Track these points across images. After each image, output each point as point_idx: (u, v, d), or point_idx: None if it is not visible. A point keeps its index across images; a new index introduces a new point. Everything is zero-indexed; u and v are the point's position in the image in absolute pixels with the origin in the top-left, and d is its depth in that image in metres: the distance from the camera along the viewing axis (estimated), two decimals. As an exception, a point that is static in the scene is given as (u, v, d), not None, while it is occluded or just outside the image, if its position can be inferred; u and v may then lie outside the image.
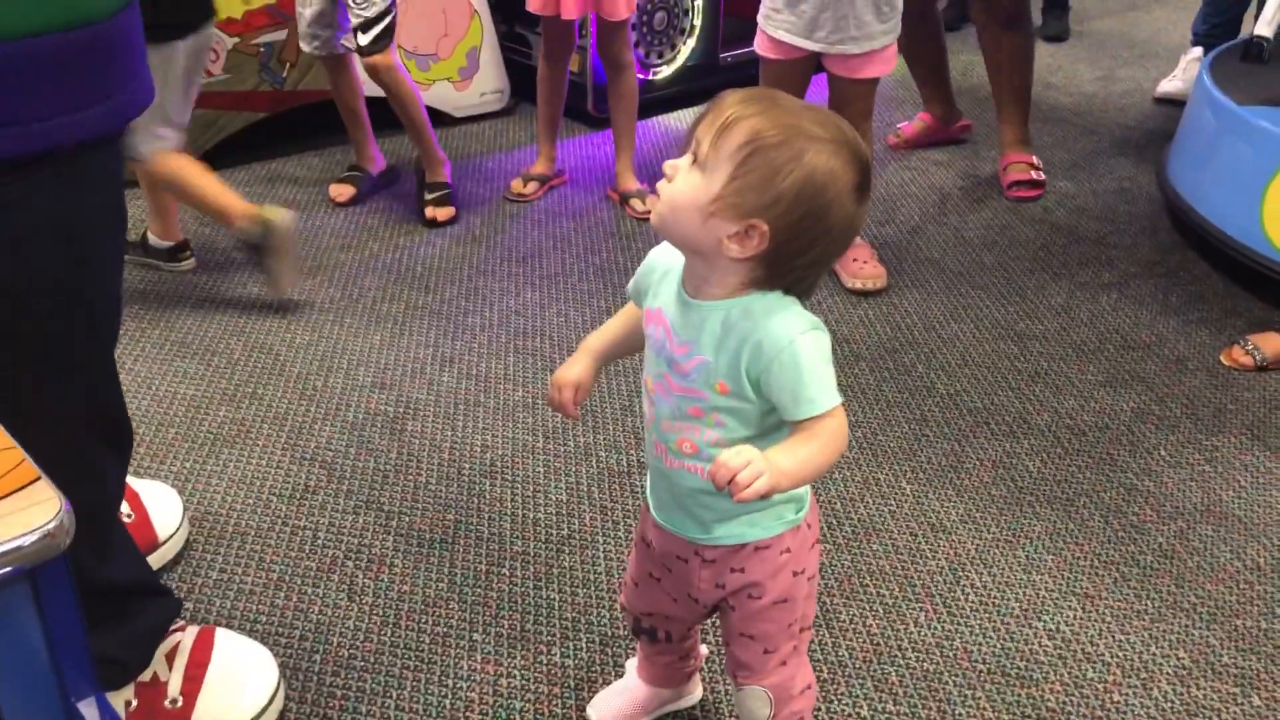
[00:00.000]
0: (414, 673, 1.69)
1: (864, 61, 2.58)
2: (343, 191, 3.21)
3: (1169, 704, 1.67)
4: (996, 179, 3.44)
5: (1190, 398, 2.41)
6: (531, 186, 3.29)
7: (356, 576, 1.88)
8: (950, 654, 1.75)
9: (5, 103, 1.07)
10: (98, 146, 1.20)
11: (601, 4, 2.97)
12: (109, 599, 1.48)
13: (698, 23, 3.78)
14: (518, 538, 1.97)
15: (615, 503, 2.05)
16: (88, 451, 1.39)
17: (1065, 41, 4.70)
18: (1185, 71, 4.04)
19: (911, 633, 1.78)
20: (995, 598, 1.86)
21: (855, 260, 2.81)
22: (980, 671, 1.72)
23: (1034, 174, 3.37)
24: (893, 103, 3.90)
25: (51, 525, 0.81)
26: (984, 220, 3.21)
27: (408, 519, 2.01)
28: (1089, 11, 5.05)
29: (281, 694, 1.62)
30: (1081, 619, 1.82)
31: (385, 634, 1.76)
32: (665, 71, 3.80)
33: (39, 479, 0.85)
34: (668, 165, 1.17)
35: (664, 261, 1.27)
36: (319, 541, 1.95)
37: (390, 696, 1.65)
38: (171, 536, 1.89)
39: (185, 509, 1.95)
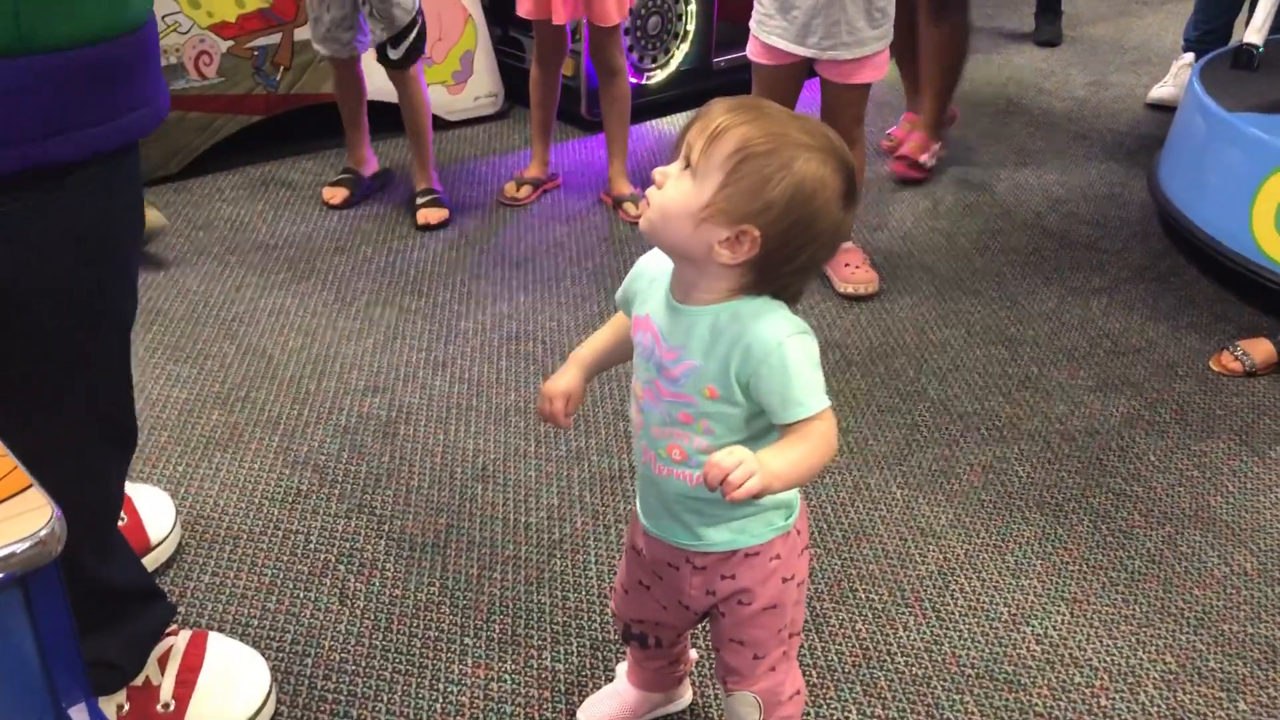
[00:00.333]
0: (405, 677, 1.70)
1: (856, 67, 2.59)
2: (336, 194, 3.21)
3: (1155, 708, 1.68)
4: (988, 184, 3.45)
5: (1180, 403, 2.43)
6: (525, 190, 3.29)
7: (348, 580, 1.88)
8: (939, 658, 1.76)
9: (62, 110, 1.11)
10: (129, 150, 1.24)
11: (592, 9, 2.98)
12: (107, 602, 1.48)
13: (691, 28, 3.79)
14: (509, 542, 1.97)
15: (607, 507, 2.06)
16: (93, 452, 1.40)
17: (1058, 47, 4.71)
18: (1177, 77, 4.05)
19: (900, 637, 1.79)
20: (984, 602, 1.87)
21: (847, 265, 2.82)
22: (968, 676, 1.73)
23: (924, 156, 3.40)
24: (886, 107, 3.91)
25: (43, 532, 0.81)
26: (976, 225, 3.22)
27: (399, 523, 2.02)
28: (1082, 17, 5.07)
29: (273, 698, 1.63)
30: (1069, 624, 1.83)
31: (376, 638, 1.77)
32: (659, 76, 3.81)
33: (31, 486, 0.85)
34: (657, 172, 1.18)
35: (651, 269, 1.28)
36: (311, 545, 1.96)
37: (381, 701, 1.66)
38: (164, 540, 1.89)
39: (177, 513, 1.95)
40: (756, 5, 2.62)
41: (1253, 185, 2.75)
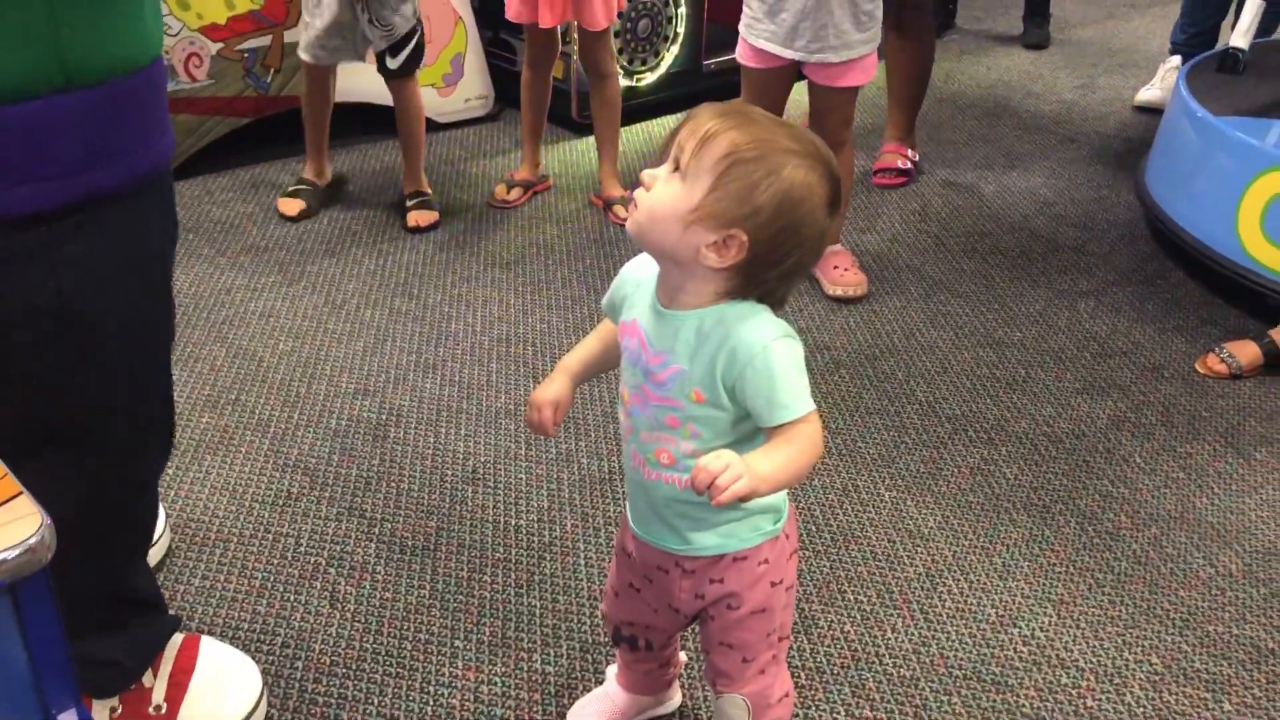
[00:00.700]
0: (395, 680, 1.71)
1: (843, 70, 2.60)
2: (293, 205, 3.14)
3: (1141, 709, 1.69)
4: (976, 186, 3.47)
5: (1166, 405, 2.44)
6: (515, 192, 3.30)
7: (338, 584, 1.89)
8: (927, 660, 1.77)
9: (104, 140, 1.17)
10: (165, 172, 1.30)
11: (581, 13, 2.98)
12: (129, 606, 1.53)
13: (681, 30, 3.80)
14: (499, 544, 1.98)
15: (596, 509, 2.06)
16: (144, 463, 1.46)
17: (1046, 49, 4.73)
18: (1164, 80, 4.07)
19: (889, 639, 1.80)
20: (971, 604, 1.88)
21: (836, 268, 2.83)
22: (956, 677, 1.74)
23: (900, 162, 3.46)
24: (875, 107, 3.92)
25: (33, 540, 0.82)
26: (964, 227, 3.23)
27: (389, 526, 2.02)
28: (1070, 20, 5.09)
29: (264, 702, 1.63)
30: (1056, 625, 1.84)
31: (367, 641, 1.77)
32: (649, 78, 3.82)
33: (20, 494, 0.86)
34: (646, 174, 1.19)
35: (637, 275, 1.29)
36: (301, 549, 1.96)
37: (371, 704, 1.66)
38: (154, 544, 1.89)
39: (168, 515, 1.96)
40: (745, 8, 2.63)
41: (1238, 189, 2.76)
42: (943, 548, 2.01)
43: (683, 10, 3.76)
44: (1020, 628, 1.84)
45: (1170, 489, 2.18)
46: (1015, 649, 1.79)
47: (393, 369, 2.48)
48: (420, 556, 1.95)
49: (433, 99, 3.70)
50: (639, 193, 1.19)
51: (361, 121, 3.47)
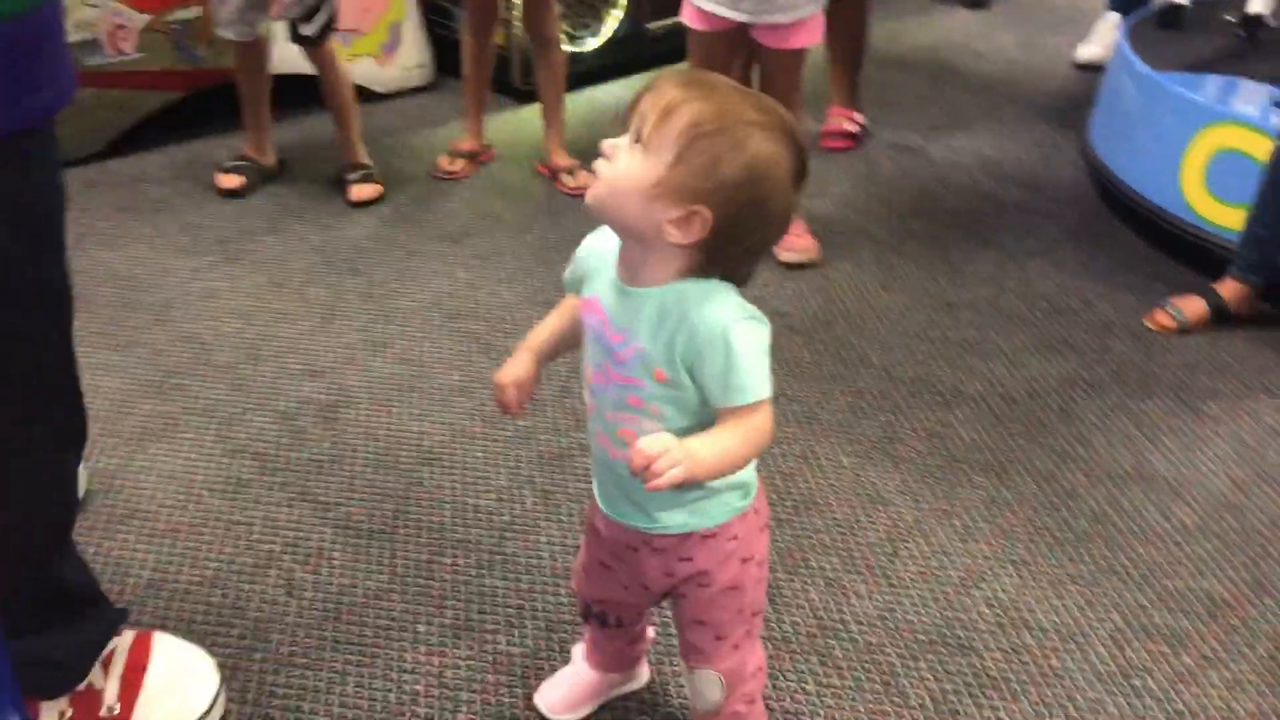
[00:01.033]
0: (357, 668, 1.67)
1: (791, 32, 2.57)
2: (231, 179, 3.05)
3: (1105, 666, 1.71)
4: (923, 148, 3.47)
5: (1117, 362, 2.46)
6: (459, 163, 3.24)
7: (294, 571, 1.85)
8: (892, 625, 1.77)
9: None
10: (43, 127, 1.22)
11: (525, -22, 2.92)
12: (62, 602, 1.47)
13: (623, -6, 3.75)
14: (459, 525, 1.95)
15: (557, 486, 2.04)
16: (49, 444, 1.38)
17: (987, 9, 4.74)
18: (1102, 37, 4.09)
19: (854, 605, 1.80)
20: (934, 567, 1.89)
21: (788, 234, 2.81)
22: (922, 642, 1.74)
23: (847, 125, 3.45)
24: (816, 70, 3.89)
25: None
26: (913, 189, 3.23)
27: (345, 510, 1.98)
28: (1009, -23, 5.09)
29: (223, 698, 1.59)
30: (1019, 586, 1.85)
31: (326, 629, 1.74)
32: (593, 43, 3.76)
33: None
34: (606, 145, 1.15)
35: (598, 249, 1.26)
36: (254, 536, 1.91)
37: (334, 693, 1.63)
38: None
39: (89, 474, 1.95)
40: (690, -29, 2.59)
41: (1181, 144, 2.78)
42: (904, 512, 2.01)
43: (624, -26, 3.70)
44: (983, 589, 1.84)
45: (1125, 446, 2.20)
46: (979, 611, 1.80)
47: (341, 348, 2.43)
48: (378, 540, 1.91)
49: (370, 69, 3.61)
50: (599, 163, 1.15)
51: (302, 93, 3.38)
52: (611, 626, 1.50)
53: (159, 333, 2.46)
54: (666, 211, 1.11)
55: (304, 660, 1.68)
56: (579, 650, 1.63)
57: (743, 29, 2.60)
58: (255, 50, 2.97)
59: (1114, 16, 4.02)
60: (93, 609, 1.53)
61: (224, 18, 2.87)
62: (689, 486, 1.14)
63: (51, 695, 1.49)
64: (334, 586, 1.82)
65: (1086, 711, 1.63)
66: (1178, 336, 2.55)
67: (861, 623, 1.77)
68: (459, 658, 1.69)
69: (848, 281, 2.74)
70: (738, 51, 2.71)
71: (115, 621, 1.56)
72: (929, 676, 1.68)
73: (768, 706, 1.59)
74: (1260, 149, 2.54)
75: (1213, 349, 2.51)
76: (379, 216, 2.99)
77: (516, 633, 1.74)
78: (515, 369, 1.33)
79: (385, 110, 3.64)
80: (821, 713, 1.62)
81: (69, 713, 1.49)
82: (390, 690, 1.63)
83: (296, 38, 2.85)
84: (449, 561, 1.87)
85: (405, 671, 1.67)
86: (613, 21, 3.77)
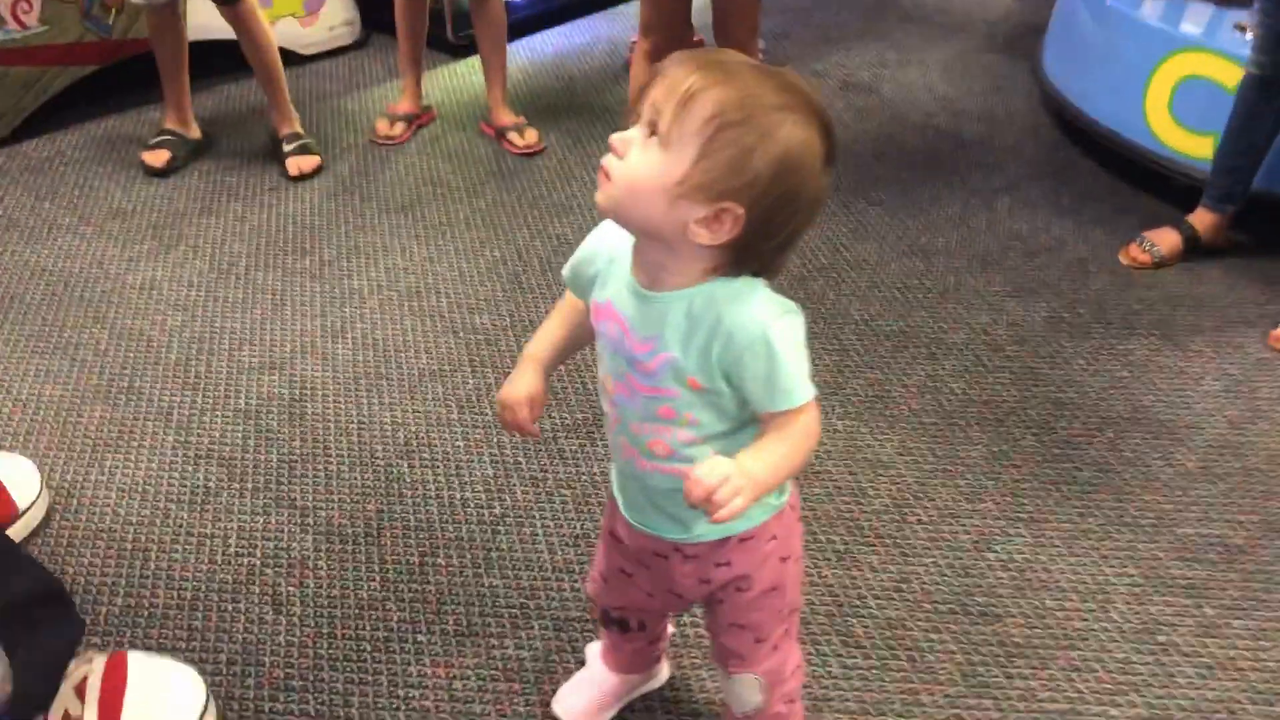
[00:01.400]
0: (359, 686, 1.57)
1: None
2: (158, 156, 2.88)
3: (1129, 624, 1.67)
4: (875, 86, 3.39)
5: (1097, 301, 2.43)
6: (399, 127, 3.08)
7: (279, 584, 1.73)
8: (910, 597, 1.72)
9: None
10: None
11: (461, -73, 2.76)
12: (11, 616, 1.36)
13: (556, -63, 3.59)
14: (448, 522, 1.85)
15: (546, 472, 1.94)
16: None
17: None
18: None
19: (869, 579, 1.75)
20: (944, 532, 1.84)
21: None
22: (942, 613, 1.69)
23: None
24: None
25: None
26: (870, 130, 3.15)
27: (324, 513, 1.87)
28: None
29: (213, 707, 1.50)
30: (1031, 545, 1.81)
31: (321, 646, 1.63)
32: (526, -8, 3.60)
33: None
34: (617, 139, 1.03)
35: (607, 247, 1.14)
36: (231, 550, 1.79)
37: (338, 716, 1.53)
38: (32, 505, 1.80)
39: (42, 474, 1.85)
40: (640, -85, 2.45)
41: (1145, 72, 2.73)
42: (905, 475, 1.95)
43: (556, -84, 3.54)
44: (997, 551, 1.80)
45: (1117, 389, 2.16)
46: (995, 575, 1.76)
47: (298, 336, 2.29)
48: (364, 545, 1.80)
49: (293, 29, 3.42)
50: (610, 160, 1.03)
51: (220, 60, 3.19)
52: (633, 631, 1.42)
53: (98, 332, 2.30)
54: (692, 211, 1.00)
55: (300, 683, 1.58)
56: (593, 650, 1.56)
57: (697, -27, 2.48)
58: (169, 15, 2.77)
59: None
60: (43, 613, 1.43)
61: None
62: None
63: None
64: (323, 599, 1.71)
65: (1116, 673, 1.60)
66: (1153, 271, 2.52)
67: (879, 597, 1.72)
68: (466, 667, 1.60)
69: (818, 233, 2.66)
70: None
71: (71, 633, 1.47)
72: (954, 649, 1.63)
73: (796, 695, 1.53)
74: (1229, 76, 2.50)
75: (1190, 282, 2.49)
76: (320, 189, 2.84)
77: (524, 635, 1.65)
78: (523, 384, 1.22)
79: (312, 73, 3.46)
80: (850, 696, 1.56)
81: (54, 756, 1.39)
82: (398, 709, 1.54)
83: None
84: (442, 562, 1.77)
85: (411, 687, 1.57)
86: (546, -33, 3.61)
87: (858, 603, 1.71)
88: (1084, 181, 2.89)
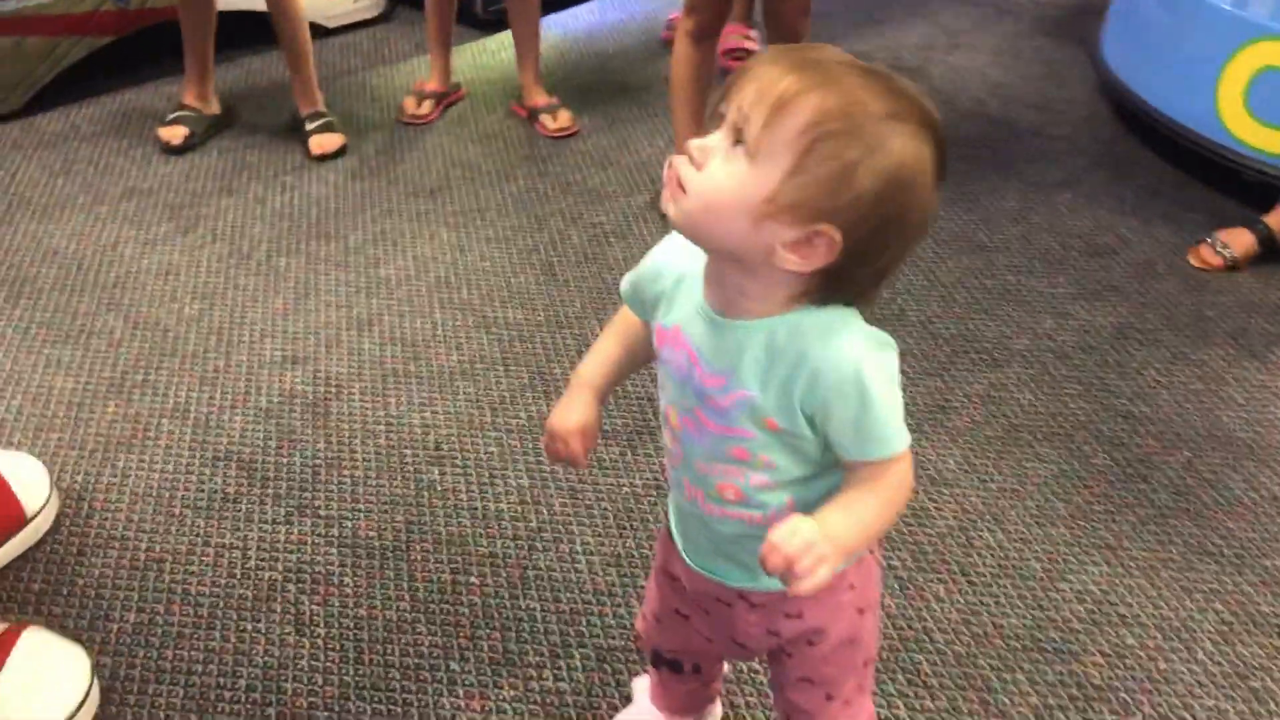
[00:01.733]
0: (388, 719, 1.46)
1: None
2: (175, 132, 2.75)
3: (1217, 667, 1.55)
4: (924, 70, 3.24)
5: (1167, 306, 2.29)
6: (427, 105, 2.95)
7: (302, 602, 1.62)
8: (979, 631, 1.59)
9: None
10: None
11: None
12: None
13: (592, -92, 3.44)
14: (481, 537, 1.73)
15: (584, 483, 1.82)
16: None
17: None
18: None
19: (934, 611, 1.62)
20: (1014, 559, 1.71)
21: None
22: (1015, 649, 1.57)
23: (746, 43, 3.26)
24: None
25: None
26: (920, 117, 3.00)
27: (350, 524, 1.75)
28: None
29: (95, 697, 1.42)
30: (1108, 575, 1.68)
31: (347, 673, 1.52)
32: (560, -35, 3.46)
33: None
34: (694, 145, 0.90)
35: (675, 265, 1.01)
36: (251, 563, 1.68)
37: (366, 753, 1.42)
38: (41, 509, 1.69)
39: (51, 475, 1.73)
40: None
41: (1218, 63, 2.58)
42: (970, 494, 1.83)
43: (592, -114, 3.39)
44: (1071, 582, 1.67)
45: (1191, 403, 2.03)
46: (1071, 608, 1.63)
47: (322, 329, 2.17)
48: (392, 559, 1.69)
49: (317, 1, 3.28)
50: (685, 170, 0.90)
51: (242, 34, 3.06)
52: (686, 673, 1.30)
53: (113, 320, 2.18)
54: (781, 233, 0.87)
55: (325, 714, 1.47)
56: (640, 685, 1.44)
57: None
58: None
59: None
60: None
61: None
62: None
63: None
64: (349, 619, 1.60)
65: (1206, 722, 1.48)
66: (1226, 274, 2.38)
67: (946, 631, 1.59)
68: (503, 699, 1.49)
69: (868, 226, 2.52)
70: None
71: None
72: (1029, 690, 1.51)
73: (860, 741, 1.41)
74: (1313, 67, 2.35)
75: (1266, 288, 2.35)
76: (344, 170, 2.71)
77: (564, 665, 1.53)
78: (576, 413, 1.09)
79: (336, 47, 3.33)
80: (917, 742, 1.45)
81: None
82: (430, 746, 1.43)
83: None
84: (475, 581, 1.66)
85: (444, 720, 1.46)
86: (581, -60, 3.47)
87: (923, 637, 1.58)
88: (1147, 176, 2.75)
